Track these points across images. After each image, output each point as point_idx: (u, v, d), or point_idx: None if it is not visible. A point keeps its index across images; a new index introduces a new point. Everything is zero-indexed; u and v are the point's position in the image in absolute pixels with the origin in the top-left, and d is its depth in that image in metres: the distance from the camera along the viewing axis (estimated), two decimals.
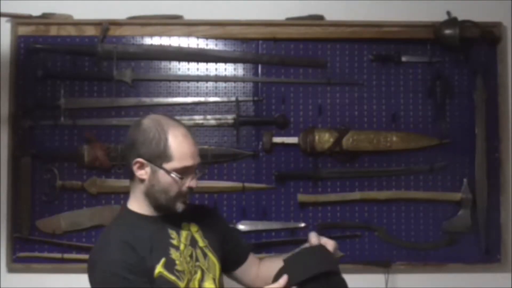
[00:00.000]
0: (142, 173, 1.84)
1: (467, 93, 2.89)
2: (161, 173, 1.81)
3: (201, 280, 1.89)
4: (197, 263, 1.89)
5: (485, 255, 2.84)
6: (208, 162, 2.72)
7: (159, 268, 1.80)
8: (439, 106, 2.87)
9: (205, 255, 1.92)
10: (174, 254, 1.84)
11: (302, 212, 2.81)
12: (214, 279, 1.92)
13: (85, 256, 2.73)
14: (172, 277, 1.81)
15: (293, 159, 2.83)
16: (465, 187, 2.84)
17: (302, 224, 2.81)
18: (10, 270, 2.77)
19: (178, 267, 1.83)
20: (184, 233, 1.90)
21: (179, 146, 1.81)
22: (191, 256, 1.88)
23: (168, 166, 1.81)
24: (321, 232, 2.75)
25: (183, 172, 1.82)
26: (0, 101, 2.78)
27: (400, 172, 2.85)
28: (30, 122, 2.77)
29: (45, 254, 2.77)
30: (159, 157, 1.81)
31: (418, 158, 2.86)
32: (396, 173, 2.85)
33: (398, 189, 2.85)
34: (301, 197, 2.81)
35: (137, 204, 1.89)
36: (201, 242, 1.94)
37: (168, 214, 1.88)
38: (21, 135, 2.78)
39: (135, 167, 1.84)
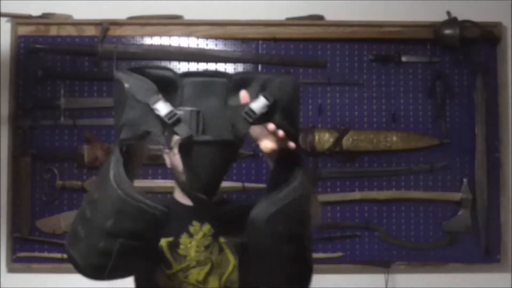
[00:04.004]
0: None
1: (467, 93, 2.89)
2: None
3: (209, 273, 1.89)
4: (210, 256, 1.89)
5: (485, 255, 2.84)
6: None
7: (162, 242, 1.81)
8: (439, 106, 2.87)
9: (221, 250, 1.90)
10: (184, 238, 1.85)
11: None
12: (220, 276, 1.91)
13: None
14: (169, 256, 1.83)
15: None
16: (465, 187, 2.84)
17: None
18: (10, 270, 2.77)
19: (181, 251, 1.84)
20: (209, 225, 1.90)
21: None
22: (207, 246, 1.88)
23: None
24: (321, 232, 2.81)
25: None
26: (0, 101, 2.79)
27: (400, 172, 2.85)
28: (30, 122, 2.77)
29: (45, 254, 2.77)
30: None
31: (418, 158, 2.86)
32: (396, 173, 2.85)
33: (398, 189, 2.85)
34: None
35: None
36: (223, 238, 1.93)
37: (207, 209, 1.86)
38: (21, 135, 2.78)
39: None
